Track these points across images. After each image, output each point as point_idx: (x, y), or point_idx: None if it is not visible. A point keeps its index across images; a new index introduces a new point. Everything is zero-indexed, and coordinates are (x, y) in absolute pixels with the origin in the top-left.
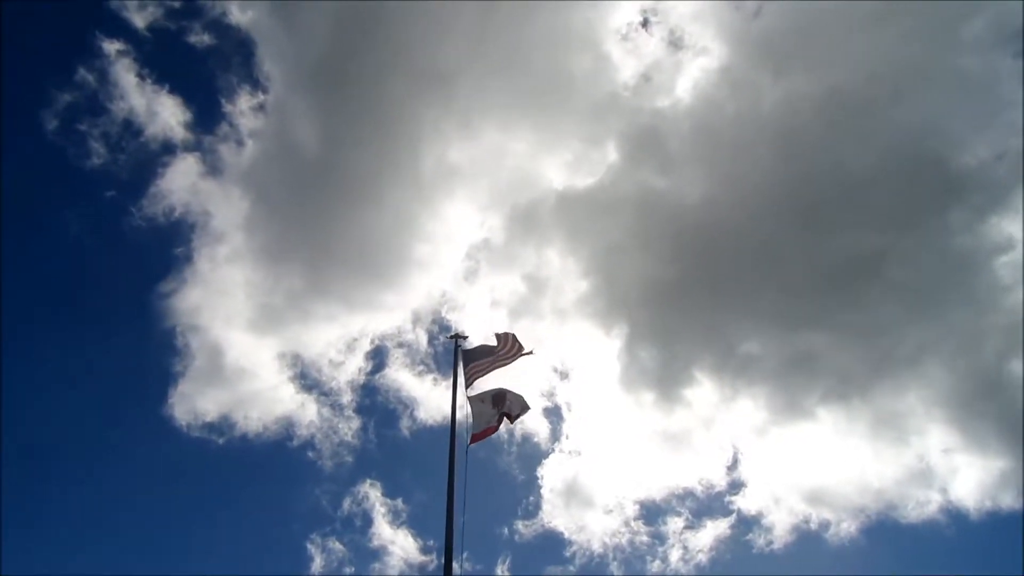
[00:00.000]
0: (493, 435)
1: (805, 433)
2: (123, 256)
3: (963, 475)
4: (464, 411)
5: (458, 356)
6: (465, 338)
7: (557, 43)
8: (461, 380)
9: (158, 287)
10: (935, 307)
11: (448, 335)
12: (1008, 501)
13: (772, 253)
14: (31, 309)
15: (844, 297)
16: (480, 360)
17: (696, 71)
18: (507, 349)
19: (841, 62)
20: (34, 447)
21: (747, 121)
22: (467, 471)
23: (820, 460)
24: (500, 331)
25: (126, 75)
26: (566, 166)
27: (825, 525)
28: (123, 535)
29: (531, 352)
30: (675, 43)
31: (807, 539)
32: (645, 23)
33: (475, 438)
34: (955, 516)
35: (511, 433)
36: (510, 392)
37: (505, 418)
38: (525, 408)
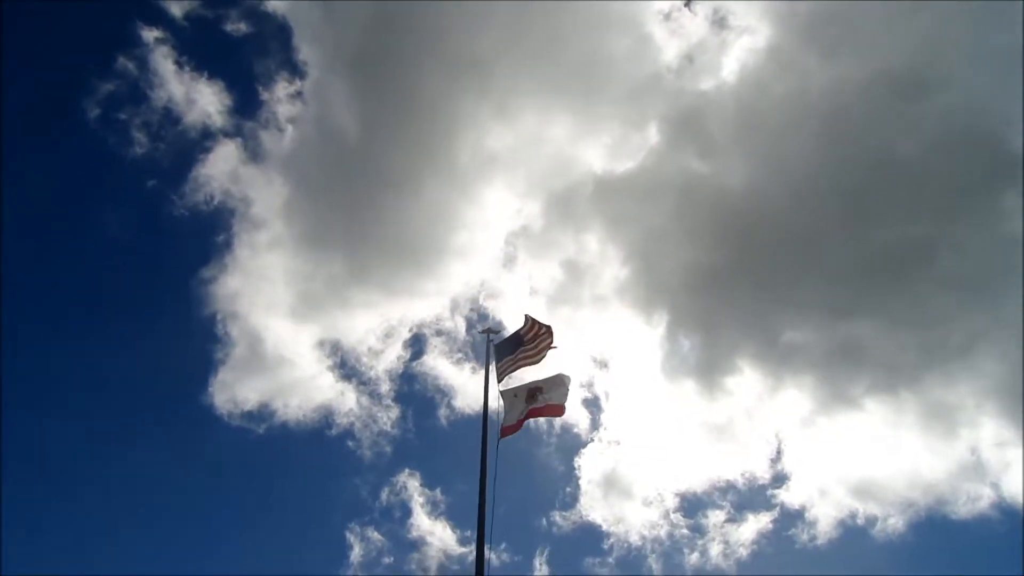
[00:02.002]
0: (532, 425)
1: (852, 424)
2: (164, 244)
3: (1016, 470)
4: (497, 404)
5: (490, 351)
6: (497, 332)
7: (596, 25)
8: (493, 374)
9: (199, 274)
10: (987, 295)
11: (480, 329)
12: None
13: (818, 239)
14: (73, 298)
15: (892, 285)
16: (511, 354)
17: (741, 52)
18: (534, 340)
19: (891, 42)
20: (75, 434)
21: (793, 104)
22: (503, 462)
23: (867, 452)
24: (529, 315)
25: (164, 63)
26: (606, 150)
27: (872, 520)
28: (163, 523)
29: (555, 347)
30: (719, 22)
31: (853, 534)
32: (688, 2)
33: (505, 431)
34: (1007, 512)
35: (550, 423)
36: (546, 382)
37: (543, 412)
38: (565, 392)
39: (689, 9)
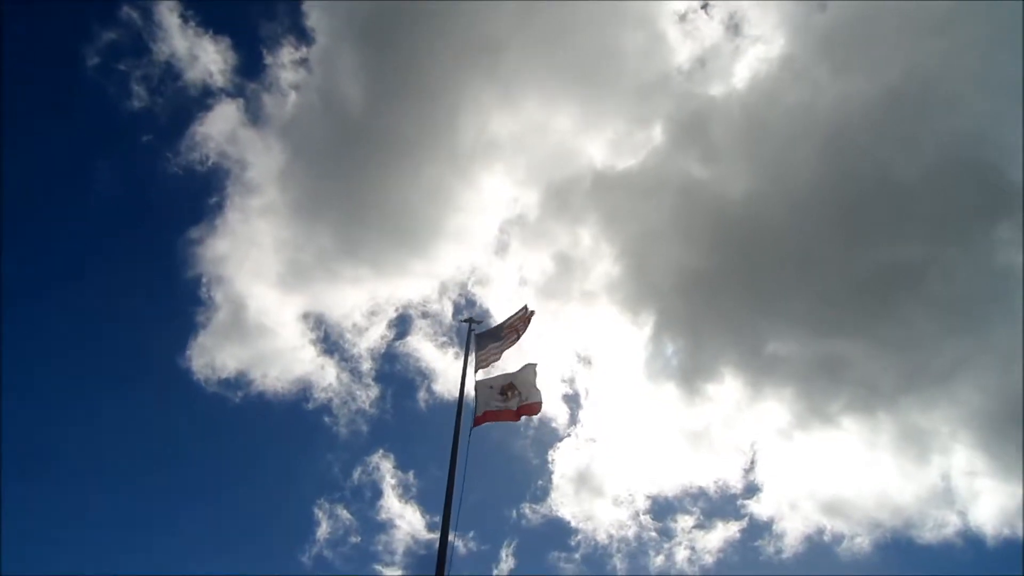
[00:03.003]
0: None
1: (827, 440)
2: (154, 201)
3: (984, 500)
4: (474, 393)
5: (470, 340)
6: (479, 322)
7: (611, 19)
8: (472, 364)
9: (187, 234)
10: (972, 323)
11: (462, 318)
12: None
13: (810, 254)
14: (57, 248)
15: (879, 305)
16: (491, 345)
17: (754, 59)
18: (512, 327)
19: (901, 64)
20: (48, 387)
21: (801, 116)
22: (478, 451)
23: (840, 470)
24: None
25: (170, 16)
26: (608, 145)
27: (839, 538)
28: (128, 485)
29: (532, 312)
30: (734, 28)
31: (818, 550)
32: (705, 5)
33: (477, 421)
34: (971, 541)
35: (529, 417)
36: (524, 383)
37: (522, 412)
38: (535, 382)
39: (705, 12)
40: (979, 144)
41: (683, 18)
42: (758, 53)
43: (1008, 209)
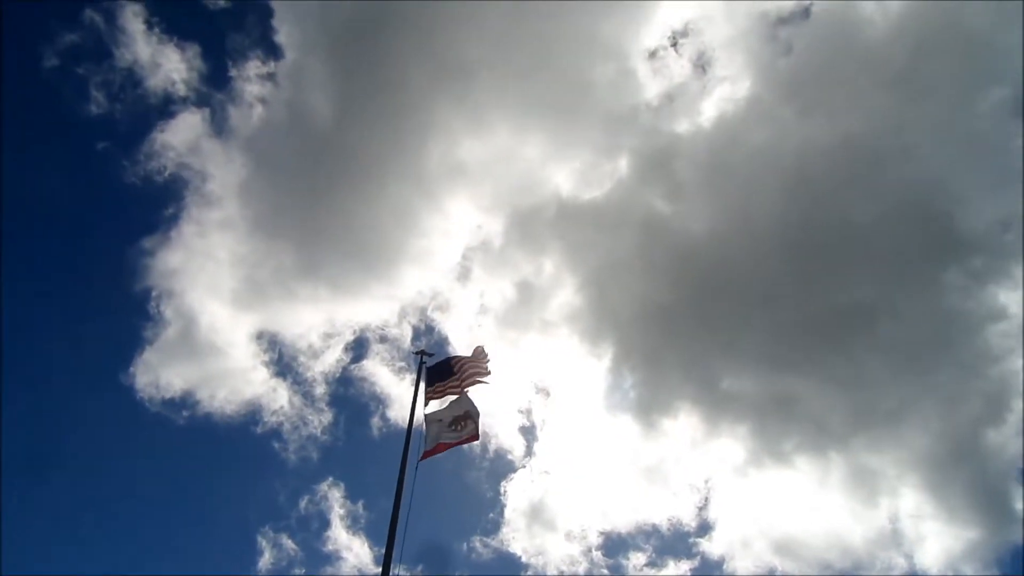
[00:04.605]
0: (465, 446)
1: (780, 479)
2: (107, 209)
3: (930, 542)
4: (422, 426)
5: (421, 373)
6: (431, 355)
7: (583, 51)
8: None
9: (139, 244)
10: (921, 367)
11: (415, 350)
12: (968, 572)
13: (767, 292)
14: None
15: (833, 346)
16: (441, 381)
17: (720, 99)
18: (464, 370)
19: (861, 112)
20: None
21: (763, 157)
22: (432, 482)
23: (792, 509)
24: (475, 347)
25: (134, 21)
26: (574, 175)
27: None
28: (65, 506)
29: (488, 375)
30: (703, 67)
31: None
32: (675, 43)
33: (426, 455)
34: None
35: (484, 447)
36: (468, 410)
37: (471, 439)
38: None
39: (675, 50)
40: (932, 192)
41: (653, 55)
42: (725, 93)
43: (957, 255)
